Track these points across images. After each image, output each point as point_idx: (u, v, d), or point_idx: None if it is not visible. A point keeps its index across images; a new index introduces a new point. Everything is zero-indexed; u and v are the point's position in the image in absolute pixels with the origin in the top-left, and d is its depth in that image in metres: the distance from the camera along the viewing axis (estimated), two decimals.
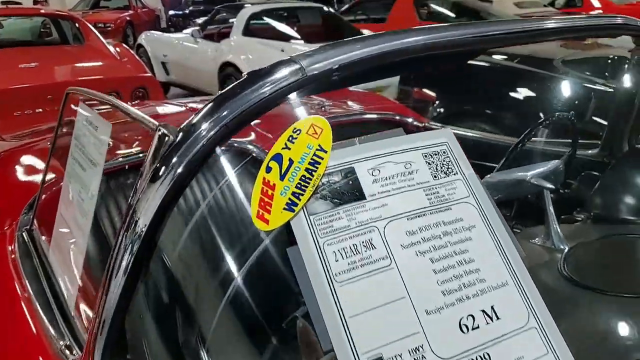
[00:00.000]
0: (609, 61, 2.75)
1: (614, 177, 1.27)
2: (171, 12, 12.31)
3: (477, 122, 3.09)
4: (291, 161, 0.61)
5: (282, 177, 0.60)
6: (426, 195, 0.65)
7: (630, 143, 1.59)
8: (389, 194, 0.63)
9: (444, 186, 0.66)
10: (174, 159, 0.63)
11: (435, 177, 0.66)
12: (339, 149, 0.64)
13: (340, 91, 3.14)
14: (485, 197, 0.67)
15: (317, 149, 0.62)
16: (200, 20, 7.66)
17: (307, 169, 0.61)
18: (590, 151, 1.68)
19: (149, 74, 3.91)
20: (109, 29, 9.33)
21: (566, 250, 0.99)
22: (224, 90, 0.66)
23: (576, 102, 2.64)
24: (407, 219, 0.62)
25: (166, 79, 6.50)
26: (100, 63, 3.97)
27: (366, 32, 5.74)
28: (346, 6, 7.56)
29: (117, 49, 4.25)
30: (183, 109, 2.19)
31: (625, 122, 1.57)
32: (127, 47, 4.42)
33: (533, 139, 1.81)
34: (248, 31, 5.44)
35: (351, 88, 4.84)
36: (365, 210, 0.61)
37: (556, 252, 0.99)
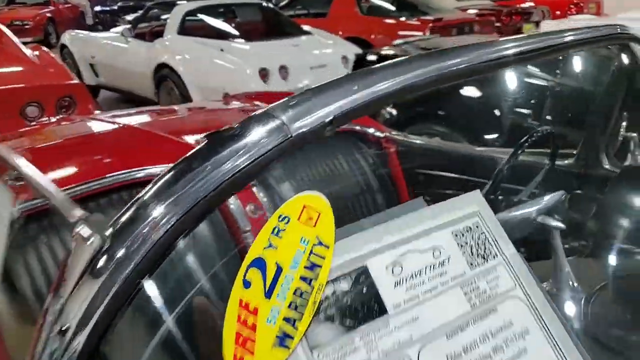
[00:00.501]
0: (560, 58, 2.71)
1: (612, 200, 1.17)
2: (97, 8, 11.50)
3: (432, 125, 2.99)
4: (279, 268, 0.41)
5: (267, 294, 0.41)
6: (465, 294, 0.47)
7: (607, 152, 1.51)
8: (418, 301, 0.45)
9: (483, 277, 0.49)
10: (103, 277, 0.41)
11: (471, 264, 0.49)
12: (343, 238, 0.45)
13: (273, 94, 2.94)
14: (534, 284, 0.51)
15: (315, 244, 0.43)
16: (130, 18, 7.18)
17: (302, 277, 0.42)
18: (566, 161, 1.59)
19: (76, 81, 3.52)
20: (27, 27, 8.61)
21: (584, 300, 0.86)
22: (175, 165, 0.46)
23: (532, 101, 2.58)
24: (447, 338, 0.44)
25: (96, 82, 6.02)
26: (15, 69, 3.54)
27: (306, 27, 5.55)
28: (285, 1, 7.32)
29: (36, 52, 3.81)
30: (116, 126, 1.92)
31: (601, 132, 1.49)
32: (48, 51, 3.97)
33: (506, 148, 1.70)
34: (184, 30, 5.10)
35: (286, 88, 4.66)
36: (390, 331, 0.43)
37: (573, 301, 0.86)
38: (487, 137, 2.73)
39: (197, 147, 0.46)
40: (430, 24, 5.56)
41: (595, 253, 1.06)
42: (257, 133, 0.46)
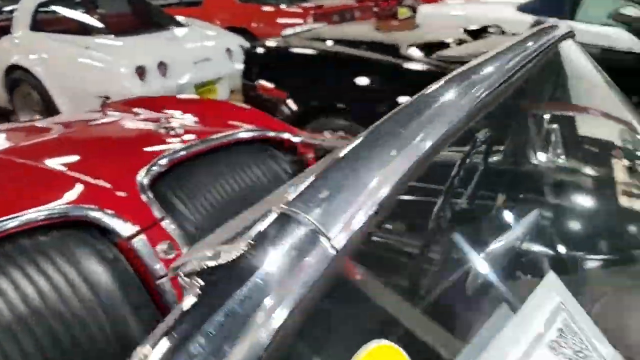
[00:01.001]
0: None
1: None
2: None
3: (336, 119, 2.88)
4: None
5: None
6: None
7: (533, 146, 1.49)
8: None
9: None
10: None
11: None
12: None
13: (155, 100, 2.63)
14: None
15: None
16: None
17: None
18: (495, 158, 1.54)
19: None
20: None
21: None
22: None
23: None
24: None
25: None
26: None
27: (181, 18, 5.14)
28: None
29: None
30: None
31: (526, 126, 1.45)
32: None
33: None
34: (37, 24, 4.42)
35: (167, 85, 4.25)
36: None
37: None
38: None
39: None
40: (312, 11, 5.46)
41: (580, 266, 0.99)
42: (287, 260, 0.27)
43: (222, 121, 1.99)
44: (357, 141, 0.44)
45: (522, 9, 4.49)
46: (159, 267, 1.20)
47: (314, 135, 1.85)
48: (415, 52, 2.76)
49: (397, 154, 0.40)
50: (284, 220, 0.31)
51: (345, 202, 0.33)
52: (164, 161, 1.44)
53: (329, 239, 0.31)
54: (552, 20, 3.06)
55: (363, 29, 3.56)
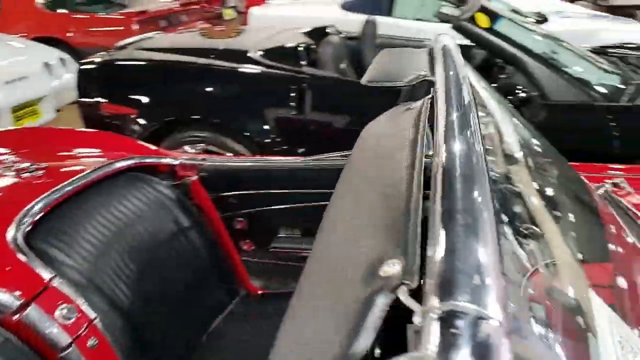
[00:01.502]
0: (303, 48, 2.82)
1: None
2: None
3: (194, 131, 2.76)
4: None
5: None
6: None
7: None
8: None
9: None
10: None
11: None
12: None
13: (12, 133, 2.29)
14: None
15: None
16: None
17: None
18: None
19: None
20: None
21: None
22: None
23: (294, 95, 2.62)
24: None
25: None
26: None
27: None
28: None
29: None
30: None
31: None
32: None
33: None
34: None
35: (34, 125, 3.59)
36: None
37: None
38: (260, 138, 2.67)
39: None
40: (136, 18, 5.11)
41: None
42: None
43: (86, 153, 1.78)
44: (439, 207, 0.43)
45: (346, 7, 4.80)
46: (62, 336, 1.04)
47: (192, 155, 1.76)
48: (259, 55, 2.77)
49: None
50: (455, 318, 0.30)
51: (483, 270, 0.33)
52: (36, 209, 1.24)
53: (495, 319, 0.31)
54: (377, 18, 3.28)
55: (203, 36, 3.45)
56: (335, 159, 1.70)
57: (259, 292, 1.79)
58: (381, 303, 0.36)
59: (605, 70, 2.53)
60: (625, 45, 3.36)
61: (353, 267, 0.43)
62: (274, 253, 1.83)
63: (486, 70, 2.90)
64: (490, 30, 2.43)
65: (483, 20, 2.44)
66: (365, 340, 0.34)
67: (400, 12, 4.55)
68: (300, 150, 2.62)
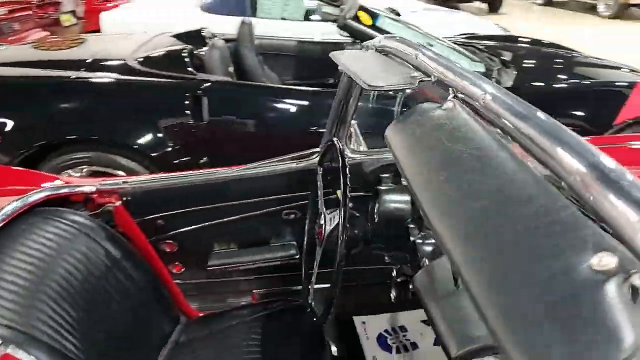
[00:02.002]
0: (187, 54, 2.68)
1: None
2: None
3: (79, 153, 2.47)
4: None
5: None
6: None
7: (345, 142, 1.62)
8: None
9: None
10: None
11: None
12: None
13: None
14: None
15: None
16: None
17: None
18: (311, 160, 1.64)
19: None
20: None
21: None
22: None
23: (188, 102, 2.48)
24: None
25: None
26: None
27: None
28: None
29: None
30: None
31: (338, 125, 1.57)
32: None
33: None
34: None
35: None
36: None
37: None
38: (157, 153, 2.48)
39: None
40: None
41: None
42: None
43: None
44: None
45: (205, 9, 4.64)
46: None
47: (112, 179, 1.58)
48: (138, 63, 2.59)
49: None
50: None
51: None
52: None
53: None
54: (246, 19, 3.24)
55: (57, 47, 3.06)
56: (263, 166, 1.66)
57: (200, 314, 1.68)
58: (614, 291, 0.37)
59: (472, 60, 2.84)
60: (475, 35, 3.79)
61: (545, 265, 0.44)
62: (209, 271, 1.74)
63: None
64: (373, 27, 2.57)
65: (366, 18, 2.58)
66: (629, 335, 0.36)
67: (266, 13, 4.56)
68: (204, 158, 2.50)
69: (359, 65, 1.06)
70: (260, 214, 1.67)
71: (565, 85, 2.80)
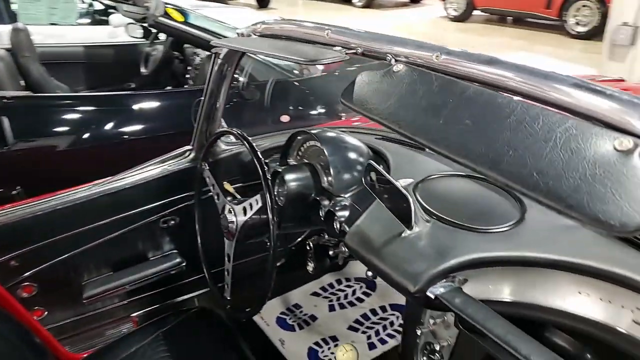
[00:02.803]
0: None
1: None
2: None
3: None
4: None
5: None
6: None
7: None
8: None
9: None
10: None
11: None
12: None
13: None
14: None
15: None
16: None
17: None
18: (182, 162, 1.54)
19: None
20: None
21: None
22: None
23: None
24: None
25: None
26: None
27: None
28: None
29: None
30: None
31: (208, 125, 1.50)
32: None
33: None
34: None
35: None
36: None
37: None
38: None
39: None
40: None
41: None
42: None
43: None
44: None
45: None
46: None
47: None
48: None
49: None
50: None
51: None
52: None
53: None
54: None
55: None
56: (127, 176, 1.51)
57: (84, 355, 1.47)
58: None
59: None
60: None
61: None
62: (80, 306, 1.52)
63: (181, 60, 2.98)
64: (186, 23, 2.51)
65: (177, 15, 2.50)
66: None
67: (30, 19, 3.97)
68: (17, 188, 2.12)
69: (272, 49, 1.06)
70: (134, 228, 1.53)
71: None
